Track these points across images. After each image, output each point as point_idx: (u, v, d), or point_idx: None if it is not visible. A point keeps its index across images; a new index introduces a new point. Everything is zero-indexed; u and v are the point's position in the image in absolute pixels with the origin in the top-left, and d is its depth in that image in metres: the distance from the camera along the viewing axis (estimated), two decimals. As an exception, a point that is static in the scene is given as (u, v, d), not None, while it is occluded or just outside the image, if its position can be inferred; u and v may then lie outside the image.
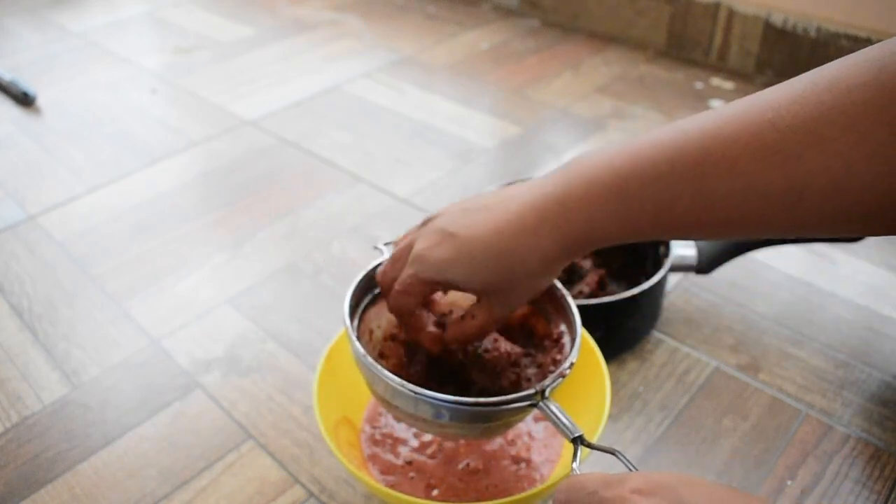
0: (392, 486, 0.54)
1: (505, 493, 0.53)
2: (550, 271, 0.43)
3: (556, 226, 0.40)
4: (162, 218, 0.90)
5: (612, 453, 0.40)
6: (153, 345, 0.72)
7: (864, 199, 0.32)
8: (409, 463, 0.56)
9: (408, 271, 0.45)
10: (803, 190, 0.33)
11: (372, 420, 0.59)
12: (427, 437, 0.57)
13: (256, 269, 0.82)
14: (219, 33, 1.42)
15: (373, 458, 0.56)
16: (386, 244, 0.54)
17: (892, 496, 0.56)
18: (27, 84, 1.18)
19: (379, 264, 0.51)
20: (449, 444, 0.57)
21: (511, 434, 0.58)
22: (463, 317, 0.46)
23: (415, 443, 0.57)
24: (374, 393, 0.48)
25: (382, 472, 0.55)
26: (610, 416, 0.63)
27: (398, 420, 0.51)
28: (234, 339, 0.72)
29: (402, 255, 0.47)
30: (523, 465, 0.55)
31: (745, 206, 0.35)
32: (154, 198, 0.94)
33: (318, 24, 1.45)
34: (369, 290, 0.53)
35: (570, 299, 0.50)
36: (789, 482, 0.57)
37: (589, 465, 0.59)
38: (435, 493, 0.54)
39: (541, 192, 0.41)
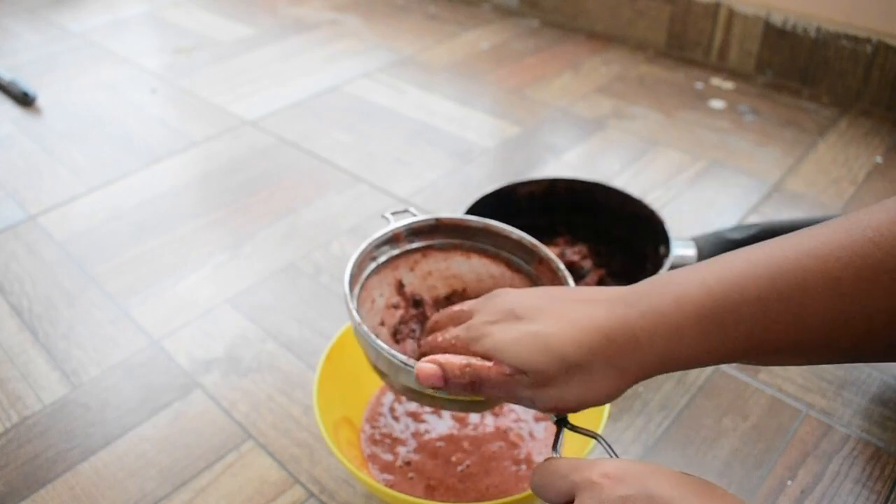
0: (391, 486, 0.54)
1: (505, 493, 0.53)
2: (609, 396, 0.39)
3: (638, 355, 0.37)
4: (162, 218, 0.90)
5: (595, 437, 0.41)
6: (153, 345, 0.72)
7: None
8: (408, 463, 0.56)
9: (454, 332, 0.43)
10: (871, 333, 0.33)
11: (372, 420, 0.59)
12: (426, 438, 0.57)
13: (256, 269, 0.82)
14: (219, 33, 1.42)
15: (372, 457, 0.56)
16: (393, 213, 0.54)
17: (892, 496, 0.56)
18: (27, 84, 1.18)
19: (383, 233, 0.53)
20: (449, 445, 0.57)
21: (512, 435, 0.58)
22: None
23: (413, 443, 0.57)
24: (368, 361, 0.49)
25: (382, 472, 0.55)
26: (610, 416, 0.63)
27: (391, 389, 0.51)
28: (234, 339, 0.72)
29: (457, 317, 0.46)
30: (524, 465, 0.55)
31: (847, 328, 0.34)
32: (154, 198, 0.94)
33: (318, 24, 1.45)
34: (373, 259, 0.53)
35: (570, 281, 0.50)
36: (789, 482, 0.57)
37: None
38: (435, 493, 0.54)
39: (618, 303, 0.38)
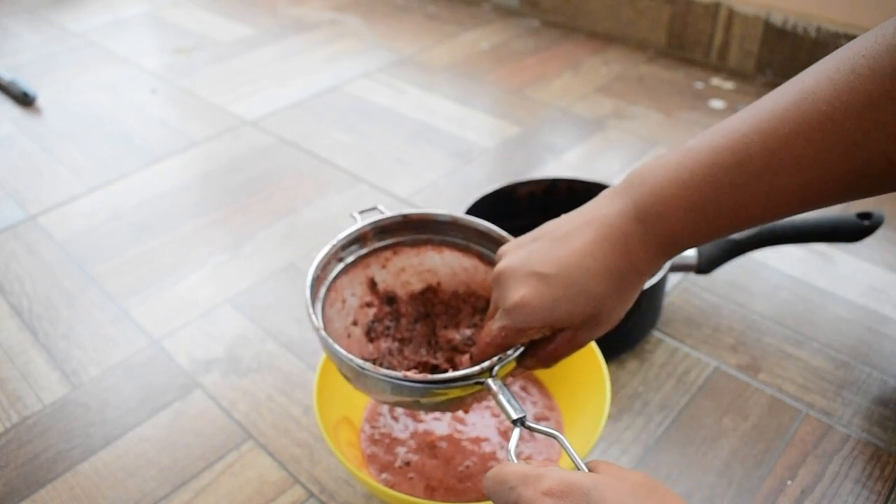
0: (391, 487, 0.54)
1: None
2: (641, 282, 0.43)
3: (644, 241, 0.41)
4: (162, 218, 0.90)
5: (554, 437, 0.41)
6: (153, 345, 0.72)
7: None
8: (408, 464, 0.56)
9: (498, 324, 0.44)
10: (865, 171, 0.36)
11: (371, 420, 0.59)
12: (426, 439, 0.57)
13: (256, 269, 0.82)
14: (219, 33, 1.42)
15: (372, 457, 0.56)
16: (361, 212, 0.54)
17: (892, 496, 0.56)
18: (27, 84, 1.18)
19: (348, 233, 0.53)
20: (449, 445, 0.57)
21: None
22: (550, 338, 0.45)
23: (413, 443, 0.57)
24: (338, 370, 0.49)
25: (382, 472, 0.55)
26: (610, 416, 0.63)
27: (363, 393, 0.51)
28: (234, 339, 0.72)
29: (492, 311, 0.47)
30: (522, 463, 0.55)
31: (813, 193, 0.37)
32: (154, 198, 0.94)
33: (318, 24, 1.45)
34: (340, 260, 0.53)
35: None
36: (789, 482, 0.57)
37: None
38: (435, 494, 0.54)
39: (613, 212, 0.41)
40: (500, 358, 0.44)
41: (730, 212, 0.39)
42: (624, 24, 1.34)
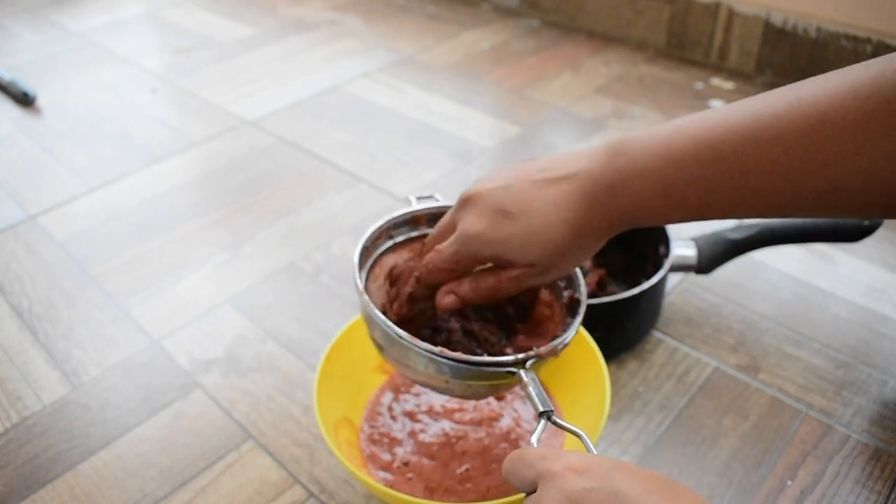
0: (391, 487, 0.54)
1: (506, 494, 0.53)
2: (595, 247, 0.45)
3: (607, 210, 0.42)
4: (162, 218, 0.90)
5: (577, 434, 0.42)
6: (153, 345, 0.72)
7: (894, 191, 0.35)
8: (406, 464, 0.56)
9: (451, 248, 0.47)
10: (837, 189, 0.36)
11: (371, 419, 0.59)
12: (423, 439, 0.57)
13: (256, 269, 0.82)
14: (219, 33, 1.42)
15: (372, 457, 0.56)
16: (419, 197, 0.55)
17: (892, 496, 0.56)
18: (27, 84, 1.18)
19: (403, 213, 0.54)
20: (449, 446, 0.57)
21: (513, 436, 0.58)
22: (493, 270, 0.47)
23: (411, 443, 0.57)
24: (370, 336, 0.50)
25: (381, 472, 0.55)
26: (610, 416, 0.63)
27: (391, 365, 0.51)
28: (234, 339, 0.72)
29: (444, 233, 0.49)
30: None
31: (780, 200, 0.38)
32: (154, 198, 0.94)
33: (318, 24, 1.45)
34: (390, 238, 0.54)
35: (584, 288, 0.51)
36: (789, 482, 0.57)
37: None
38: (434, 494, 0.54)
39: (589, 175, 0.43)
40: (536, 352, 0.46)
41: (695, 203, 0.40)
42: (624, 24, 1.34)
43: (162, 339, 0.72)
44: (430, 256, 0.48)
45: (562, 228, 0.43)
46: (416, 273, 0.50)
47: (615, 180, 0.42)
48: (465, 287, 0.48)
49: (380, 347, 0.49)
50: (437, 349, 0.44)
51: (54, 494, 0.58)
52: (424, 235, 0.55)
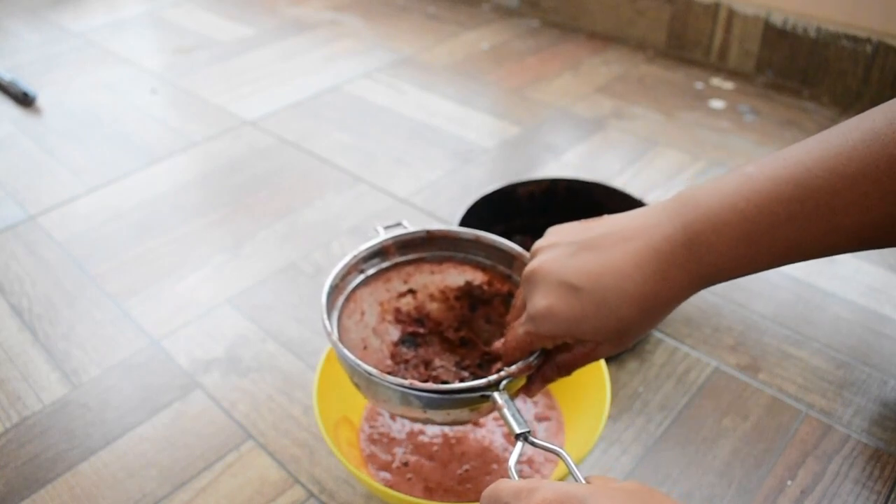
0: (390, 486, 0.54)
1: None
2: (673, 308, 0.42)
3: (686, 270, 0.39)
4: (162, 218, 0.90)
5: (556, 453, 0.40)
6: (153, 345, 0.72)
7: None
8: (406, 464, 0.56)
9: (525, 328, 0.44)
10: None
11: (370, 419, 0.59)
12: (422, 440, 0.57)
13: (256, 269, 0.82)
14: (219, 33, 1.42)
15: (371, 457, 0.56)
16: (386, 227, 0.55)
17: (892, 496, 0.56)
18: (27, 84, 1.18)
19: (371, 245, 0.53)
20: (448, 446, 0.57)
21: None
22: (569, 348, 0.45)
23: (410, 444, 0.57)
24: (350, 380, 0.49)
25: (381, 472, 0.55)
26: (610, 416, 0.63)
27: (376, 405, 0.51)
28: (234, 339, 0.72)
29: (518, 310, 0.48)
30: (526, 467, 0.55)
31: (872, 234, 0.37)
32: (154, 198, 0.94)
33: (318, 24, 1.45)
34: (361, 272, 0.54)
35: None
36: (789, 482, 0.57)
37: (590, 466, 0.59)
38: (434, 494, 0.54)
39: (660, 234, 0.40)
40: (507, 373, 0.45)
41: (783, 246, 0.38)
42: (624, 24, 1.34)
43: (162, 339, 0.72)
44: (507, 337, 0.47)
45: (635, 301, 0.40)
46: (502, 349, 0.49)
47: (691, 236, 0.39)
48: (547, 373, 0.47)
49: (358, 387, 0.49)
50: (408, 382, 0.44)
51: (54, 494, 0.58)
52: (396, 265, 0.55)
